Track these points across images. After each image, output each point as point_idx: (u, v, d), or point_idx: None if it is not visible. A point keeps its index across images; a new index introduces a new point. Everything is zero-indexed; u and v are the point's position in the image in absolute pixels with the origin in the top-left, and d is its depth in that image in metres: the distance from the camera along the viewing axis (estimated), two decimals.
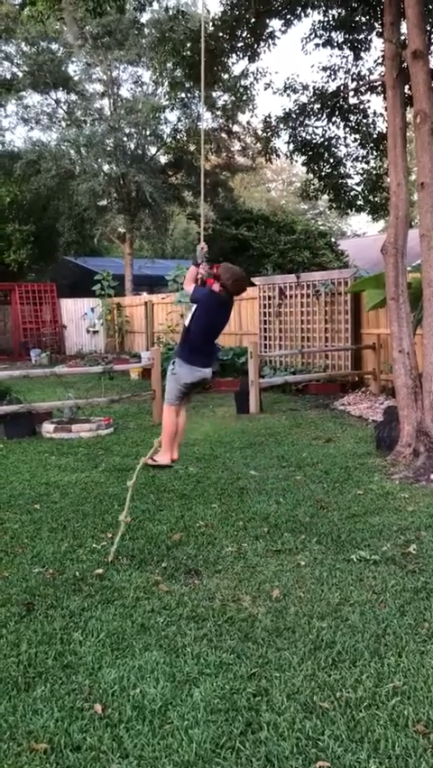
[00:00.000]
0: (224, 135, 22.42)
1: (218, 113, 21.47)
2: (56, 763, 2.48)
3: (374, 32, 9.58)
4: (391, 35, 7.31)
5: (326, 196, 11.57)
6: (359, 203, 11.07)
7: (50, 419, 9.15)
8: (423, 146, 6.78)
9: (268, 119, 10.68)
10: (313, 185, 11.21)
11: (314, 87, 10.12)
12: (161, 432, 4.88)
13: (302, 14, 9.47)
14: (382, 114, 10.08)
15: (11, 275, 22.75)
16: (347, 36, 9.77)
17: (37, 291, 22.00)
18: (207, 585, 3.98)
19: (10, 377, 9.89)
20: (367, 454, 7.26)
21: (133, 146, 21.76)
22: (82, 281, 21.87)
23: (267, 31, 9.80)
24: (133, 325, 20.18)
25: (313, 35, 9.84)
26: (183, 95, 19.53)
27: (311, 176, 10.97)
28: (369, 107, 10.16)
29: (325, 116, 10.07)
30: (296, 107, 10.17)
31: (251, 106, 19.82)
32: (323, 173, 10.66)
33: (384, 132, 9.17)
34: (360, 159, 10.66)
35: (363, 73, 10.11)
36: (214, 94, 20.00)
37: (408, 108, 7.77)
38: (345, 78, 10.13)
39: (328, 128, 10.24)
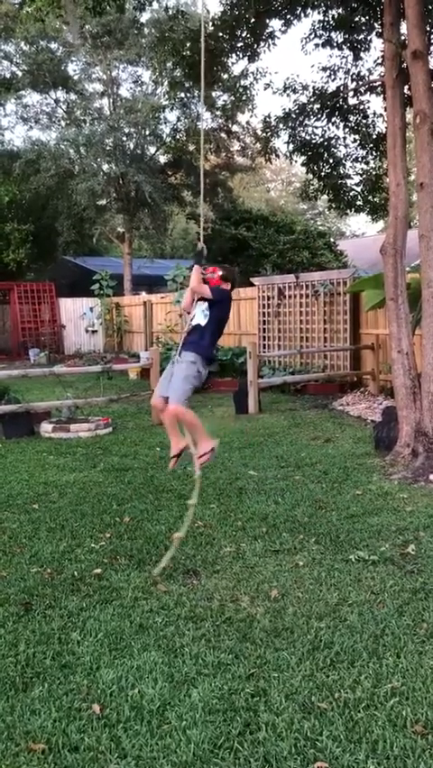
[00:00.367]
0: (223, 135, 22.42)
1: (218, 113, 21.47)
2: (54, 763, 2.48)
3: (374, 33, 9.58)
4: (390, 35, 7.31)
5: (325, 197, 11.57)
6: (358, 203, 11.08)
7: (49, 419, 9.14)
8: (423, 146, 6.78)
9: (267, 119, 10.68)
10: (312, 185, 11.21)
11: (314, 88, 10.12)
12: (188, 434, 4.73)
13: (302, 14, 9.47)
14: (381, 115, 10.09)
15: (10, 274, 22.73)
16: (347, 36, 9.77)
17: (36, 291, 21.99)
18: (206, 585, 3.98)
19: (9, 376, 9.89)
20: (366, 455, 7.26)
21: (132, 146, 21.76)
22: (81, 281, 21.88)
23: (267, 31, 9.80)
24: (131, 325, 20.18)
25: (313, 35, 9.84)
26: (183, 94, 19.54)
27: (311, 176, 10.97)
28: (369, 108, 10.18)
29: (324, 116, 10.07)
30: (295, 107, 10.17)
31: (250, 106, 19.86)
32: (322, 173, 10.66)
33: (384, 132, 9.17)
34: (359, 159, 10.66)
35: (362, 73, 10.12)
36: (213, 94, 20.00)
37: (407, 108, 7.77)
38: (345, 79, 10.14)
39: (328, 128, 10.25)
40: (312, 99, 10.03)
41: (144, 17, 19.16)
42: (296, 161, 11.10)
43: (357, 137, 10.36)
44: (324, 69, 10.16)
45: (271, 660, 3.14)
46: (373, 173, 10.77)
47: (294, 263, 19.54)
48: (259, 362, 11.21)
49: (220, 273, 4.69)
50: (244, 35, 9.87)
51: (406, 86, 7.48)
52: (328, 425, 9.14)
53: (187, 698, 2.85)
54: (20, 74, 21.54)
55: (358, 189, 10.95)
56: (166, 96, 20.79)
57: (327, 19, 9.63)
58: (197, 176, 22.35)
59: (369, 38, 9.77)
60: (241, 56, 10.35)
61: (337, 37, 9.81)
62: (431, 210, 6.71)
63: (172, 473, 6.63)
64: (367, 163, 10.65)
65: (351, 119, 10.20)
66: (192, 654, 3.19)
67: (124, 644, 3.31)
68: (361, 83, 9.97)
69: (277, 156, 11.24)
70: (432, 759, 2.45)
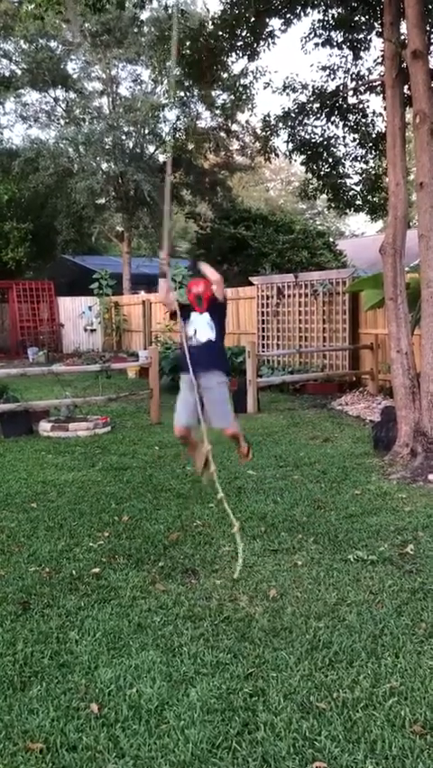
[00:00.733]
0: (223, 134, 22.41)
1: (217, 111, 21.46)
2: (52, 762, 2.47)
3: (374, 32, 9.57)
4: (390, 35, 7.30)
5: (324, 196, 11.56)
6: (358, 203, 11.07)
7: (48, 418, 9.13)
8: (422, 146, 6.77)
9: (267, 118, 10.67)
10: (312, 184, 11.20)
11: (313, 87, 10.12)
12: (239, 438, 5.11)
13: (302, 14, 9.46)
14: (381, 114, 10.09)
15: (8, 273, 22.72)
16: (347, 35, 9.76)
17: (35, 289, 21.97)
18: (204, 585, 3.97)
19: (7, 375, 9.88)
20: (365, 454, 7.26)
21: (131, 144, 21.75)
22: (80, 280, 21.88)
23: (267, 30, 9.79)
24: (130, 324, 20.17)
25: (313, 34, 9.83)
26: (182, 93, 19.52)
27: (310, 175, 10.96)
28: (368, 107, 10.17)
29: (324, 116, 10.06)
30: (295, 106, 10.16)
31: (250, 105, 19.84)
32: (322, 172, 10.66)
33: (383, 131, 9.17)
34: (359, 158, 10.65)
35: (362, 73, 10.11)
36: (213, 93, 20.00)
37: (407, 108, 7.77)
38: (345, 78, 10.13)
39: (327, 127, 10.24)
40: (312, 98, 10.02)
41: (144, 15, 19.15)
42: (295, 161, 11.11)
43: (357, 136, 10.35)
44: (323, 69, 10.15)
45: (270, 659, 3.13)
46: (373, 173, 10.76)
47: (293, 263, 19.54)
48: (258, 362, 11.20)
49: (208, 287, 4.52)
50: (243, 34, 9.86)
51: (406, 86, 7.48)
52: (327, 424, 9.14)
53: (185, 697, 2.85)
54: (19, 72, 21.52)
55: (357, 189, 10.95)
56: (165, 95, 20.78)
57: (326, 18, 9.62)
58: (196, 175, 22.37)
59: (369, 37, 9.76)
60: (241, 55, 10.34)
61: (337, 36, 9.81)
62: (431, 210, 6.71)
63: (171, 472, 6.63)
64: (367, 163, 10.65)
65: (350, 118, 10.20)
66: (190, 654, 3.19)
67: (122, 644, 3.30)
68: (360, 82, 9.97)
69: (276, 155, 11.23)
70: (431, 759, 2.45)
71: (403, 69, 7.17)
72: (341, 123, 10.17)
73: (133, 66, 21.87)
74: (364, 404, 10.44)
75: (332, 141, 10.39)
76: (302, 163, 10.87)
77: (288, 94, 10.28)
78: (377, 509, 5.35)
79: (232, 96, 19.91)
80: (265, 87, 11.14)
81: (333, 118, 10.10)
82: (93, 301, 20.54)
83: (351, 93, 10.05)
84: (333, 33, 9.77)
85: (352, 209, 11.33)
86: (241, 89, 17.32)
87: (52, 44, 21.39)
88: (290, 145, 10.44)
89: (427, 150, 6.75)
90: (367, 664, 3.08)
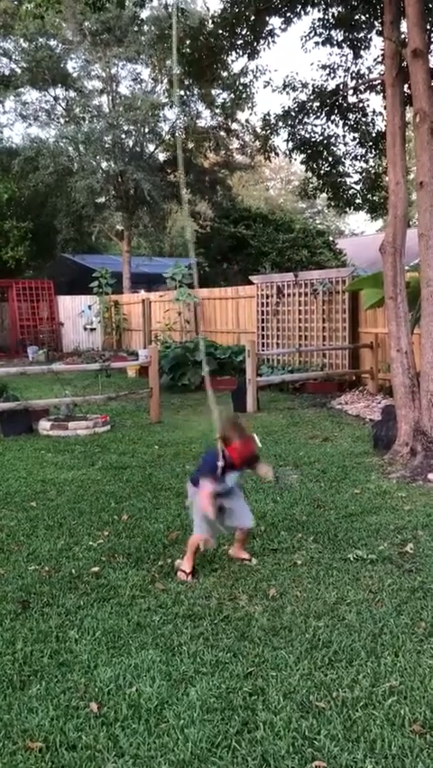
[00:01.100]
0: (223, 133, 22.40)
1: (217, 110, 21.44)
2: (51, 761, 2.47)
3: (374, 31, 9.57)
4: (390, 34, 7.29)
5: (324, 195, 11.56)
6: (358, 201, 11.07)
7: (47, 417, 9.13)
8: (422, 145, 6.77)
9: (267, 117, 10.67)
10: (312, 183, 11.20)
11: (313, 85, 10.11)
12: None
13: (302, 12, 9.45)
14: (381, 113, 10.08)
15: (8, 272, 22.71)
16: (347, 34, 9.76)
17: (34, 288, 21.96)
18: (204, 584, 3.97)
19: (7, 374, 9.87)
20: (364, 453, 7.26)
21: (131, 143, 21.73)
22: (80, 279, 21.87)
23: (267, 28, 9.78)
24: (130, 323, 20.16)
25: (313, 33, 9.83)
26: (182, 92, 19.50)
27: (310, 174, 10.96)
28: (368, 106, 10.18)
29: (324, 114, 10.05)
30: (295, 105, 10.15)
31: (250, 104, 19.82)
32: (322, 171, 10.65)
33: (383, 130, 9.16)
34: (359, 157, 10.65)
35: (362, 72, 10.11)
36: (213, 91, 19.98)
37: (407, 107, 7.76)
38: (345, 77, 10.13)
39: (327, 126, 10.23)
40: (312, 97, 10.02)
41: (144, 14, 19.14)
42: (295, 159, 11.10)
43: (357, 135, 10.35)
44: (324, 67, 10.15)
45: (270, 658, 3.13)
46: (373, 171, 10.77)
47: (293, 262, 19.54)
48: (258, 361, 11.20)
49: (233, 449, 4.03)
50: (243, 33, 9.85)
51: (406, 85, 7.47)
52: (327, 423, 9.14)
53: (185, 696, 2.85)
54: (19, 71, 21.50)
55: (357, 188, 10.95)
56: (165, 94, 20.77)
57: (327, 17, 9.62)
58: (196, 173, 22.36)
59: (369, 36, 9.76)
60: (241, 53, 10.33)
61: (337, 35, 9.80)
62: (431, 209, 6.71)
63: (171, 471, 6.63)
64: (367, 162, 10.65)
65: (350, 117, 10.19)
66: (190, 653, 3.18)
67: (121, 643, 3.30)
68: (361, 81, 9.96)
69: (276, 154, 11.22)
70: (430, 758, 2.44)
71: (403, 68, 7.16)
72: (341, 122, 10.17)
73: (132, 64, 21.86)
74: (364, 403, 10.44)
75: (332, 139, 10.38)
76: (302, 162, 10.87)
77: (288, 92, 10.29)
78: (377, 508, 5.35)
79: (232, 95, 19.91)
80: (265, 86, 11.18)
81: (333, 117, 10.10)
82: (93, 300, 20.53)
83: (351, 92, 10.05)
84: (333, 32, 9.76)
85: (352, 208, 11.34)
86: (241, 88, 17.32)
87: (52, 43, 21.37)
88: (290, 144, 10.44)
89: (427, 150, 6.75)
90: (367, 663, 3.08)
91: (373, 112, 10.18)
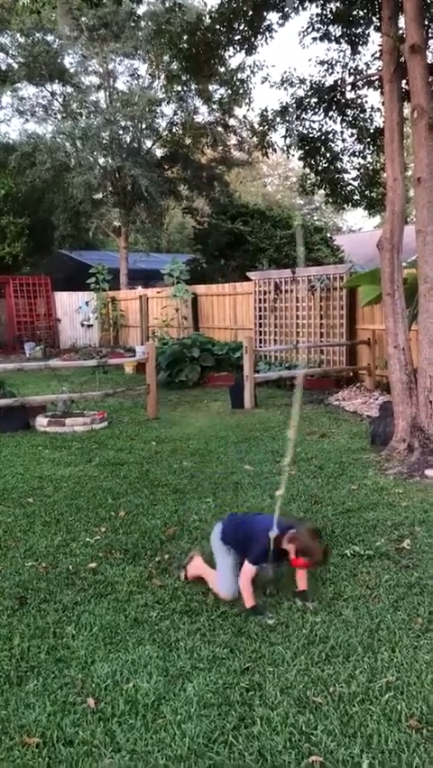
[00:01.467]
0: (220, 129, 22.34)
1: (215, 106, 21.39)
2: (48, 757, 2.47)
3: (372, 26, 9.53)
4: (388, 29, 7.27)
5: (322, 191, 11.53)
6: (355, 198, 11.03)
7: (44, 413, 9.12)
8: (420, 141, 6.76)
9: (265, 113, 10.63)
10: (310, 179, 11.16)
11: (311, 81, 10.07)
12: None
13: (300, 7, 9.42)
14: (379, 109, 10.05)
15: (5, 268, 22.65)
16: (345, 30, 9.72)
17: (31, 284, 21.91)
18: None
19: (4, 370, 9.85)
20: (361, 450, 7.26)
21: (128, 139, 21.66)
22: (77, 275, 21.82)
23: (264, 23, 9.74)
24: (127, 319, 20.14)
25: (311, 28, 9.79)
26: (180, 88, 19.45)
27: (308, 170, 10.93)
28: (366, 102, 10.13)
29: (322, 111, 10.03)
30: (293, 101, 10.12)
31: (247, 100, 19.77)
32: (319, 168, 10.61)
33: (381, 127, 9.14)
34: (357, 154, 10.61)
35: (360, 67, 10.07)
36: (210, 87, 19.93)
37: (405, 103, 7.74)
38: (343, 73, 10.08)
39: (325, 122, 10.20)
40: (309, 93, 9.98)
41: (141, 9, 19.05)
42: (293, 155, 11.07)
43: (355, 131, 10.31)
44: (321, 63, 10.11)
45: (267, 654, 3.14)
46: (371, 168, 10.73)
47: (291, 258, 19.51)
48: (255, 357, 11.19)
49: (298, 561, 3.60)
50: (241, 28, 9.81)
51: (404, 81, 7.46)
52: (324, 420, 9.14)
53: (182, 692, 2.85)
54: (15, 66, 21.41)
55: (355, 184, 10.91)
56: (163, 90, 20.70)
57: (324, 12, 9.57)
58: (193, 169, 22.31)
59: (367, 32, 9.71)
60: (238, 49, 10.29)
61: (335, 30, 9.76)
62: (428, 205, 6.70)
63: (168, 468, 6.63)
64: (364, 158, 10.62)
65: (348, 113, 10.16)
66: (187, 649, 3.19)
67: (118, 639, 3.30)
68: (358, 77, 9.93)
69: (274, 150, 11.18)
70: (427, 753, 2.45)
71: (401, 64, 7.15)
72: (339, 118, 10.13)
73: (130, 60, 21.78)
74: (361, 399, 10.45)
75: (330, 135, 10.35)
76: (300, 158, 10.83)
77: (285, 88, 10.24)
78: (374, 504, 5.35)
79: (229, 91, 19.84)
80: (263, 82, 11.11)
81: (331, 113, 10.06)
82: (90, 296, 20.49)
83: (349, 88, 10.01)
84: (331, 28, 9.72)
85: (350, 204, 11.30)
86: (238, 84, 17.24)
87: (49, 38, 21.29)
88: (288, 140, 10.41)
89: (424, 146, 6.74)
90: (364, 659, 3.09)
91: (372, 108, 10.15)
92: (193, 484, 6.03)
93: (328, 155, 10.55)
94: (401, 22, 7.26)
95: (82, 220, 23.03)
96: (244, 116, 22.04)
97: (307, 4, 9.31)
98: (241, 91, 18.52)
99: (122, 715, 2.71)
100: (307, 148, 10.40)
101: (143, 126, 21.63)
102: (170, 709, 2.73)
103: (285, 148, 10.53)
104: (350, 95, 10.09)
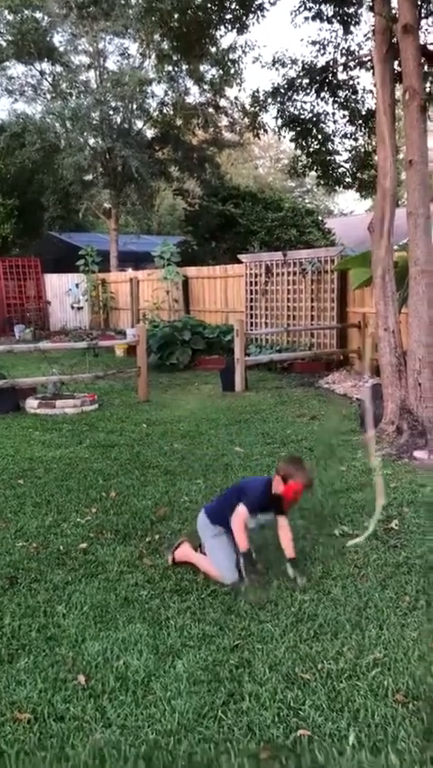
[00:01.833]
0: (211, 110, 22.14)
1: (206, 87, 21.18)
2: (39, 732, 2.50)
3: (365, 6, 9.45)
4: (381, 9, 7.21)
5: (313, 173, 11.49)
6: (347, 180, 11.01)
7: (35, 395, 9.10)
8: (412, 123, 6.73)
9: (256, 94, 10.55)
10: (301, 161, 11.12)
11: (303, 62, 9.99)
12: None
13: None
14: (371, 91, 10.00)
15: None
16: (337, 9, 9.62)
17: (21, 266, 21.75)
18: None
19: None
20: (351, 432, 7.30)
21: (119, 120, 21.43)
22: (67, 257, 21.65)
23: (256, 2, 9.63)
24: (118, 302, 20.05)
25: (303, 8, 9.68)
26: (170, 68, 19.24)
27: (299, 152, 10.88)
28: (358, 83, 10.07)
29: (313, 91, 9.96)
30: (284, 82, 10.04)
31: (239, 80, 19.61)
32: (311, 149, 10.57)
33: (373, 109, 9.09)
34: (348, 136, 10.57)
35: (352, 48, 9.98)
36: (201, 67, 19.72)
37: (397, 85, 7.70)
38: (335, 53, 10.00)
39: (317, 103, 10.14)
40: (301, 74, 9.90)
41: None
42: (284, 137, 11.00)
43: (346, 113, 10.26)
44: (313, 43, 10.02)
45: (256, 632, 3.17)
46: (362, 150, 10.70)
47: (282, 241, 19.44)
48: (246, 340, 11.19)
49: (290, 487, 3.68)
50: (232, 6, 9.70)
51: (396, 62, 7.41)
52: (314, 402, 9.18)
53: (171, 669, 2.88)
54: (4, 44, 21.09)
55: (347, 166, 10.89)
56: (154, 70, 20.46)
57: None
58: (184, 151, 22.12)
59: (359, 11, 9.63)
60: (230, 28, 10.17)
61: (327, 10, 9.66)
62: (419, 188, 6.69)
63: (159, 450, 6.65)
64: (356, 140, 10.58)
65: (340, 94, 10.10)
66: (177, 627, 3.22)
67: (109, 617, 3.33)
68: (351, 57, 9.86)
69: (265, 131, 11.13)
70: (412, 726, 2.50)
71: (394, 45, 7.10)
72: (331, 100, 10.07)
73: (120, 39, 21.49)
74: (351, 382, 10.48)
75: (321, 117, 10.29)
76: (291, 140, 10.78)
77: (277, 69, 10.15)
78: (362, 485, 5.40)
79: (220, 71, 19.66)
80: (254, 62, 11.03)
81: (322, 94, 10.00)
82: (80, 278, 20.37)
83: (341, 68, 9.94)
84: (323, 7, 9.62)
85: (341, 186, 11.27)
86: (230, 63, 17.11)
87: (38, 15, 20.96)
88: (280, 121, 10.34)
89: (416, 128, 6.71)
90: (351, 636, 3.13)
91: (363, 89, 10.10)
92: (184, 466, 6.05)
93: (320, 137, 10.50)
94: (394, 1, 7.20)
95: (72, 201, 22.84)
96: (236, 97, 21.86)
97: None
98: (232, 71, 18.38)
99: (112, 691, 2.74)
100: (298, 129, 10.35)
101: (134, 107, 21.40)
102: (161, 686, 2.77)
103: (276, 129, 10.45)
104: (342, 75, 10.04)
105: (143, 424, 7.88)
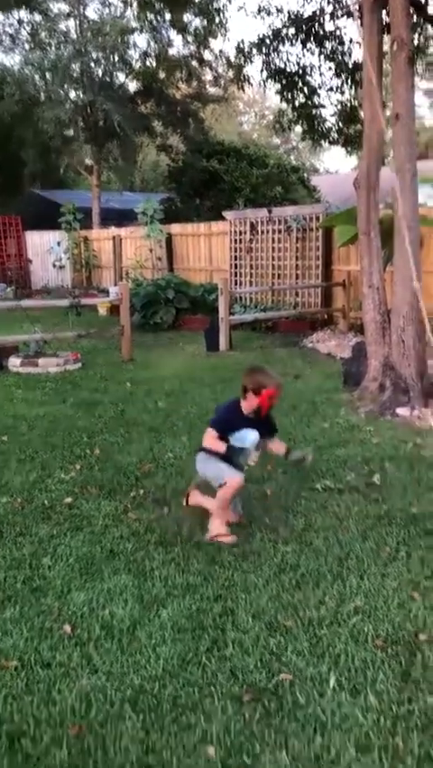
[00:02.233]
0: (195, 63, 21.58)
1: (189, 38, 20.59)
2: (27, 678, 2.55)
3: None
4: None
5: (299, 128, 11.31)
6: (333, 135, 10.86)
7: (17, 353, 9.03)
8: (399, 75, 6.60)
9: (241, 45, 10.30)
10: (286, 115, 10.93)
11: (289, 11, 9.74)
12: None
13: None
14: (358, 43, 9.78)
15: None
16: None
17: (1, 224, 21.33)
18: (176, 513, 4.04)
19: None
20: (334, 390, 7.34)
21: (100, 72, 20.82)
22: (48, 214, 21.23)
23: None
24: (100, 260, 19.79)
25: None
26: (153, 17, 18.66)
27: (285, 105, 10.68)
28: (345, 34, 9.86)
29: (299, 42, 9.73)
30: (270, 32, 9.79)
31: (223, 30, 19.08)
32: (297, 103, 10.39)
33: (360, 61, 8.90)
34: (334, 89, 10.39)
35: None
36: (185, 17, 19.15)
37: (385, 37, 7.52)
38: (322, 2, 9.75)
39: (303, 54, 9.92)
40: (287, 23, 9.66)
41: None
42: (270, 89, 10.80)
43: (333, 65, 10.06)
44: None
45: (239, 582, 3.23)
46: (348, 104, 10.52)
47: (267, 198, 19.20)
48: (230, 299, 11.12)
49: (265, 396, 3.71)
50: None
51: (384, 11, 7.23)
52: (298, 361, 9.19)
53: (156, 617, 2.93)
54: None
55: (333, 120, 10.73)
56: (136, 18, 19.83)
57: None
58: (167, 105, 21.61)
59: None
60: None
61: None
62: (406, 143, 6.59)
63: (143, 408, 6.65)
64: (343, 93, 10.40)
65: (327, 46, 9.87)
66: (162, 577, 3.27)
67: (94, 569, 3.37)
68: (338, 6, 9.61)
69: (250, 84, 10.90)
70: (391, 669, 2.57)
71: None
72: (317, 51, 9.85)
73: None
74: (336, 341, 10.50)
75: (308, 69, 10.08)
76: (277, 92, 10.57)
77: (263, 17, 9.91)
78: (345, 442, 5.45)
79: (205, 21, 19.10)
80: (239, 10, 10.73)
81: (309, 45, 9.78)
82: (62, 236, 20.04)
83: (328, 18, 9.70)
84: None
85: (327, 141, 11.12)
86: (214, 12, 16.62)
87: None
88: (265, 73, 10.12)
89: (404, 80, 6.59)
90: (333, 585, 3.19)
91: (350, 41, 9.89)
92: (168, 423, 6.06)
93: (306, 90, 10.31)
94: None
95: (53, 156, 22.33)
96: (220, 50, 21.31)
97: None
98: (217, 20, 17.84)
99: (98, 639, 2.78)
100: (284, 82, 10.14)
101: (116, 58, 20.77)
102: (145, 634, 2.82)
103: (262, 81, 10.23)
104: (329, 26, 9.80)
105: (127, 383, 7.86)
